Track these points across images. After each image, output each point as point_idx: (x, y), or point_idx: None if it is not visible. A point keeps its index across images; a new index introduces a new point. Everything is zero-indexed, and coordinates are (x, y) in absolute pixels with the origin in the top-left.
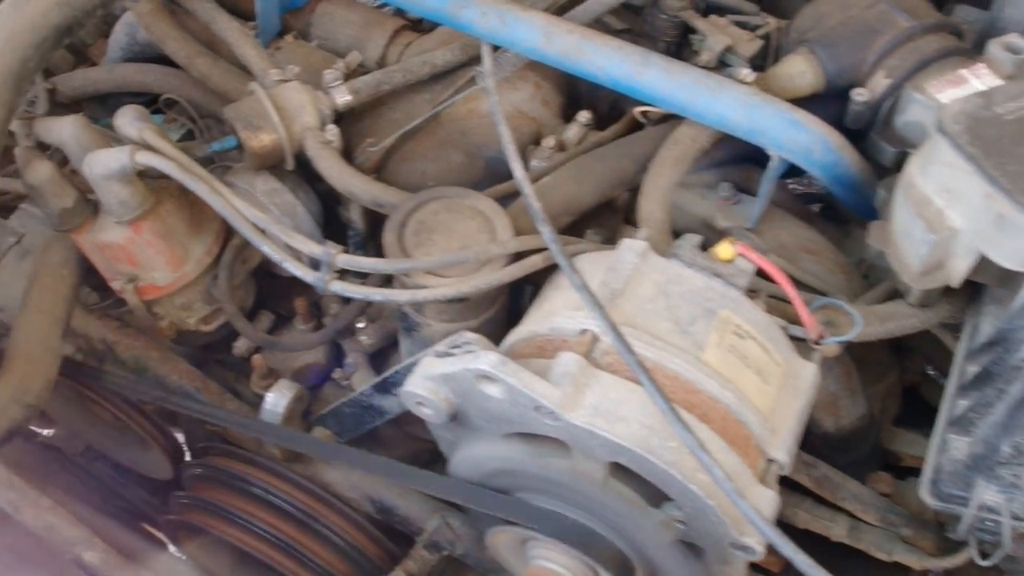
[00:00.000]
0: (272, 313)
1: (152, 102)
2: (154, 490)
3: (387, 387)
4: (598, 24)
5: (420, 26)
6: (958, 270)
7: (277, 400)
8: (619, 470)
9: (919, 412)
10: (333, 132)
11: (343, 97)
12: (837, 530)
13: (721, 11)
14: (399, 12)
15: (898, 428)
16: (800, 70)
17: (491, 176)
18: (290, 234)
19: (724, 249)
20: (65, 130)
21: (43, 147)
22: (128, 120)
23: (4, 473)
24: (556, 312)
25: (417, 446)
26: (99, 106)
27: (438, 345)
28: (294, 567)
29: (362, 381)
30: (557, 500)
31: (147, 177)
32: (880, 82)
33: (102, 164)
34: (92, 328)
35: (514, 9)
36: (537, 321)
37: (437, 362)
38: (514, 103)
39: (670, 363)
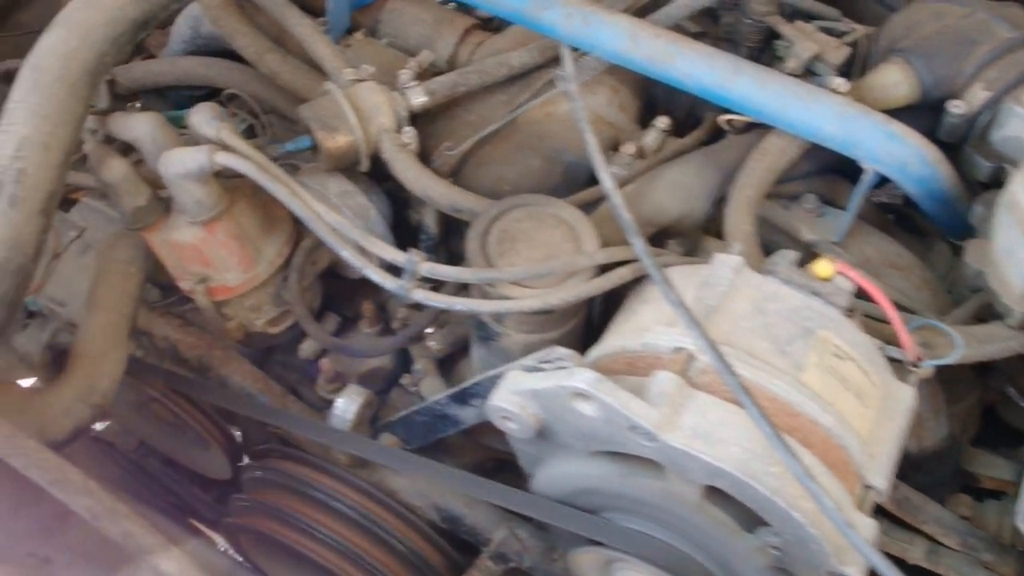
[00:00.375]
0: (337, 315)
1: (210, 96)
2: (207, 487)
3: (465, 398)
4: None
5: (490, 24)
6: None
7: (347, 406)
8: (714, 493)
9: (997, 432)
10: (410, 135)
11: (419, 98)
12: (915, 553)
13: (804, 17)
14: (468, 10)
15: (976, 449)
16: (895, 80)
17: (569, 181)
18: (371, 240)
19: (822, 267)
20: (140, 127)
21: (108, 141)
22: (204, 119)
23: (81, 479)
24: (648, 328)
25: (485, 455)
26: (157, 98)
27: (525, 359)
28: (357, 574)
29: (431, 388)
30: (646, 521)
31: (221, 176)
32: (978, 94)
33: (179, 164)
34: (154, 326)
35: (599, 11)
36: (626, 336)
37: (526, 377)
38: (592, 108)
39: (769, 384)
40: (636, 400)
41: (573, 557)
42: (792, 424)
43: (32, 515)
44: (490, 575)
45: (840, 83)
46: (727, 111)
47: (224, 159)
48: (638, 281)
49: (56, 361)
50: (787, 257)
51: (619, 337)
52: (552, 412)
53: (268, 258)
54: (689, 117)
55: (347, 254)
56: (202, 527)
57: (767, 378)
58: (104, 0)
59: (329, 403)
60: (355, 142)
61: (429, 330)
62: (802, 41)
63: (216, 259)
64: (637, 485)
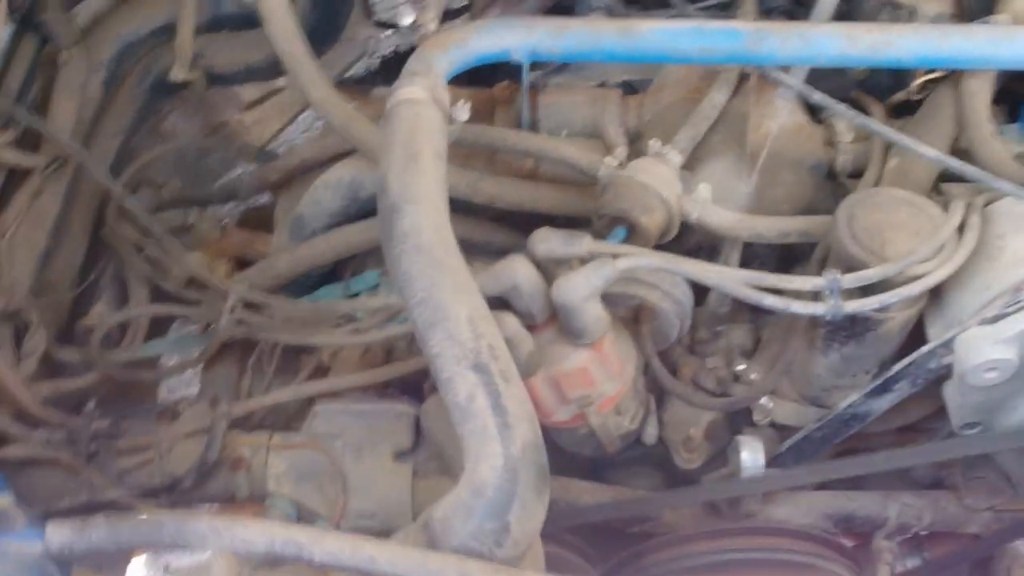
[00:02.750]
0: None
1: (334, 271)
2: None
3: (888, 386)
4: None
5: None
6: None
7: (754, 455)
8: None
9: None
10: (707, 189)
11: (677, 158)
12: None
13: None
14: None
15: None
16: None
17: (820, 183)
18: (784, 278)
19: None
20: (519, 273)
21: None
22: (562, 240)
23: None
24: None
25: None
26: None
27: (983, 312)
28: None
29: (789, 410)
30: None
31: None
32: None
33: (584, 286)
34: None
35: (808, 26)
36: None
37: (1003, 324)
38: (792, 119)
39: None
40: None
41: None
42: None
43: None
44: (892, 552)
45: (1004, 18)
46: None
47: (628, 263)
48: None
49: None
50: None
51: (1018, 266)
52: None
53: (630, 354)
54: None
55: (771, 301)
56: None
57: None
58: (422, 169)
59: (690, 473)
60: (669, 214)
61: (742, 367)
62: (925, 4)
63: (599, 375)
64: None
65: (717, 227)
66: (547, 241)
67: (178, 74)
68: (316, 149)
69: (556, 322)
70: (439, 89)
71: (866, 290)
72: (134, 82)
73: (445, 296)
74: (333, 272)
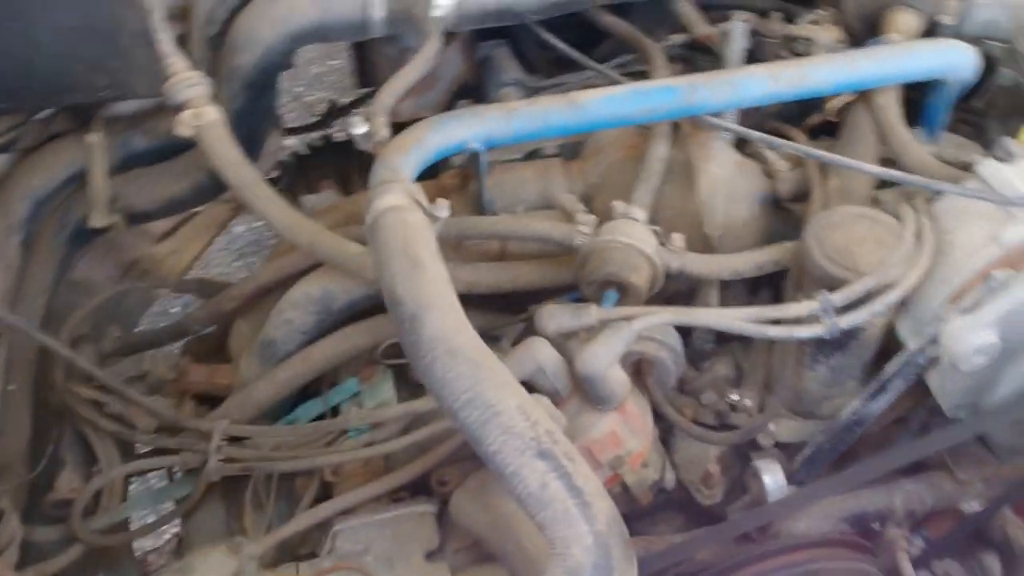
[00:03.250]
0: None
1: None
2: None
3: (884, 387)
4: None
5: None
6: None
7: (775, 478)
8: None
9: None
10: (680, 239)
11: (642, 215)
12: None
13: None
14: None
15: None
16: (909, 21)
17: (770, 212)
18: (782, 308)
19: None
20: (541, 354)
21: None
22: (568, 315)
23: None
24: (985, 243)
25: None
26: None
27: (956, 305)
28: None
29: (788, 428)
30: None
31: None
32: (953, 4)
33: (607, 355)
34: None
35: (734, 73)
36: (980, 255)
37: (979, 312)
38: (732, 158)
39: None
40: None
41: None
42: None
43: None
44: (906, 539)
45: (898, 37)
46: None
47: (643, 323)
48: None
49: None
50: None
51: (972, 257)
52: (1010, 324)
53: (646, 408)
54: None
55: (775, 332)
56: None
57: None
58: (428, 273)
59: (714, 507)
60: (654, 269)
61: (735, 398)
62: (821, 34)
63: (627, 434)
64: None
65: (700, 272)
66: (555, 317)
67: (98, 220)
68: (273, 271)
69: (578, 393)
70: (415, 191)
71: (848, 304)
72: (51, 236)
73: (491, 392)
74: (305, 387)
